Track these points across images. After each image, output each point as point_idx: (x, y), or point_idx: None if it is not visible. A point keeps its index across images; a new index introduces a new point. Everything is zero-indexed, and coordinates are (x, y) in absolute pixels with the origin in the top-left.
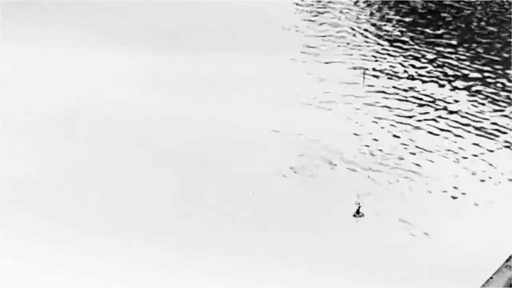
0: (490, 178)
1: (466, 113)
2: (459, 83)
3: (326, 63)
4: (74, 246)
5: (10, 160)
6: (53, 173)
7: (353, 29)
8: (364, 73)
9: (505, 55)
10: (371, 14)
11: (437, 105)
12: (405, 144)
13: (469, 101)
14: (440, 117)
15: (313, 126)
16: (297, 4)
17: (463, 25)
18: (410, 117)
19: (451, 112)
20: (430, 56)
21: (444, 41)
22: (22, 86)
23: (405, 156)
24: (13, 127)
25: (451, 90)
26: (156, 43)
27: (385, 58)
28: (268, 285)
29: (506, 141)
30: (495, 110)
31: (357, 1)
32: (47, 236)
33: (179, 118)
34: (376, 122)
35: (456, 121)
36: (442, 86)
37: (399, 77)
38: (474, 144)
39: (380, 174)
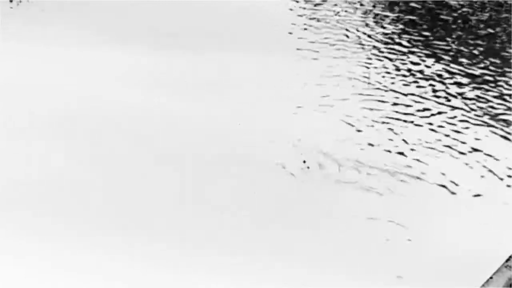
0: (490, 178)
1: (466, 112)
2: (458, 83)
3: (326, 63)
4: (74, 246)
5: (10, 160)
6: (53, 173)
7: (353, 30)
8: (364, 73)
9: (505, 54)
10: (373, 15)
11: (436, 105)
12: (406, 142)
13: (468, 99)
14: (439, 112)
15: (313, 126)
16: (297, 3)
17: (462, 25)
18: (409, 115)
19: (450, 111)
20: (429, 57)
21: (441, 43)
22: (22, 86)
23: (404, 155)
24: (13, 127)
25: (449, 89)
26: (156, 43)
27: (385, 58)
28: (268, 285)
29: (506, 139)
30: (494, 109)
31: (357, 2)
32: (47, 236)
33: (179, 118)
34: (376, 122)
35: (456, 121)
36: (441, 84)
37: (399, 77)
38: (476, 139)
39: (379, 173)
